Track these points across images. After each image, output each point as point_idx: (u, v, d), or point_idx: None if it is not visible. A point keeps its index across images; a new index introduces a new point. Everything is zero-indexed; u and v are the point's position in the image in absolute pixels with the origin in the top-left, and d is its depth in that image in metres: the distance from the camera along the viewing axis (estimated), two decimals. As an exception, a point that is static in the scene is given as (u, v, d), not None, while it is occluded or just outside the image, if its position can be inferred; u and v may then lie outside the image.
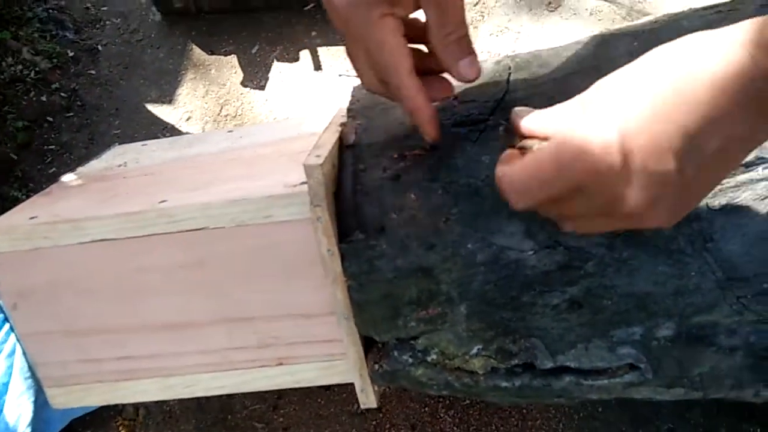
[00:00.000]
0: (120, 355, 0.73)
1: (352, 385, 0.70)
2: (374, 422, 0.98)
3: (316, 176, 0.56)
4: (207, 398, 1.07)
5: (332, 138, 0.63)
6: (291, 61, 1.53)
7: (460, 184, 0.58)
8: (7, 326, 0.93)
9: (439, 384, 0.61)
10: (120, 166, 0.90)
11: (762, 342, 0.54)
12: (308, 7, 1.54)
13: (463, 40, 0.41)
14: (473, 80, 0.41)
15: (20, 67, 1.54)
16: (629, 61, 0.63)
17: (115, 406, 1.08)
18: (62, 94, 1.55)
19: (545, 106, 0.65)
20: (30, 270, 0.68)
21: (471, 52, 0.41)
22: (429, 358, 0.60)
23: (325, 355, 0.70)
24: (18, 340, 0.72)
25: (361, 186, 0.62)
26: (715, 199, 0.55)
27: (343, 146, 0.64)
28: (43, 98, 1.53)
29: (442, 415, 0.97)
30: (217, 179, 0.74)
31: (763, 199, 0.54)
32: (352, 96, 0.71)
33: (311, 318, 0.69)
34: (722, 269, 0.54)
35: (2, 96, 1.50)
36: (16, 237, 0.67)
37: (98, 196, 0.75)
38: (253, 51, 1.55)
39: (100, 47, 1.64)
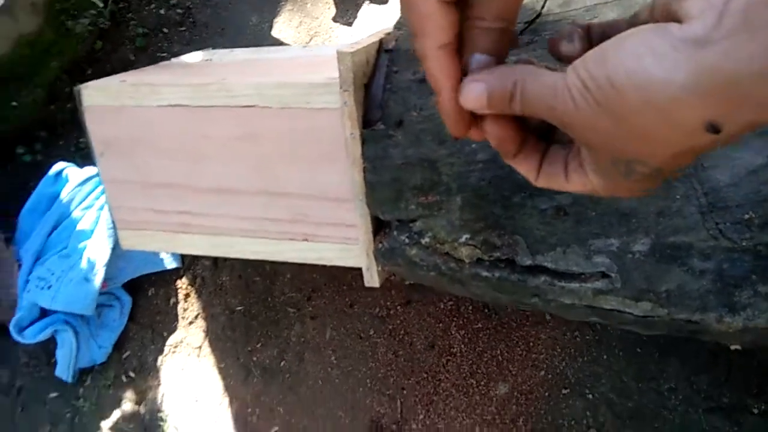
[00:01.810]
0: (180, 209, 0.86)
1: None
2: (391, 326, 1.07)
3: (346, 62, 0.64)
4: (254, 280, 1.21)
5: (372, 39, 0.71)
6: (381, 3, 1.60)
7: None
8: (101, 187, 1.10)
9: (428, 265, 0.68)
10: (207, 60, 1.03)
11: (733, 269, 0.57)
12: (408, -50, 1.60)
13: (490, 34, 0.30)
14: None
15: (145, -20, 1.72)
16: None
17: (177, 271, 1.24)
18: (178, 10, 1.72)
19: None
20: (116, 124, 0.82)
21: (492, 51, 0.30)
22: (423, 241, 0.67)
23: (344, 238, 0.79)
24: (102, 186, 0.87)
25: (391, 85, 0.70)
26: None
27: (382, 49, 0.72)
28: (162, 11, 1.71)
29: (453, 332, 1.04)
30: (277, 71, 0.84)
31: (759, 134, 0.56)
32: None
33: (336, 201, 0.78)
34: (707, 196, 0.57)
35: (127, 3, 1.70)
36: (106, 94, 0.81)
37: (180, 73, 0.87)
38: (349, -12, 1.64)
39: (216, -28, 1.79)
